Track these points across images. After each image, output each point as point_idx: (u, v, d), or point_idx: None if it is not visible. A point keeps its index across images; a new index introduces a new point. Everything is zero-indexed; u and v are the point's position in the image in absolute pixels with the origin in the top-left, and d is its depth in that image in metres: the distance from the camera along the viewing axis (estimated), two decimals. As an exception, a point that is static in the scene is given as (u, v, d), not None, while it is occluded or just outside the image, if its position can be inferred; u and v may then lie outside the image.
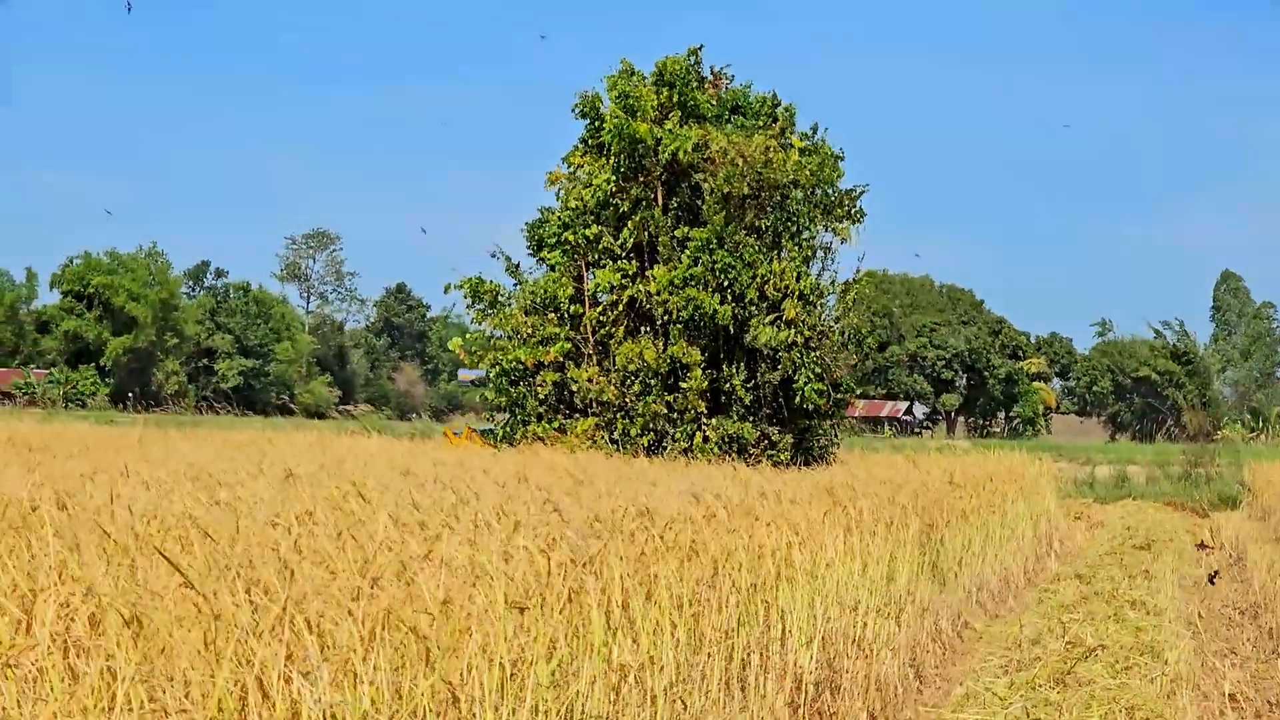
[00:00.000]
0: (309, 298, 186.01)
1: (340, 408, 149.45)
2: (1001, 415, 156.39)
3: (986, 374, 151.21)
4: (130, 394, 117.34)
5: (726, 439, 30.03)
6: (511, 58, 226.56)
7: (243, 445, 22.17)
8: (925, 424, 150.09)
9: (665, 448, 29.70)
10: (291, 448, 23.47)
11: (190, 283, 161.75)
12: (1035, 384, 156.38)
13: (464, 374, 53.21)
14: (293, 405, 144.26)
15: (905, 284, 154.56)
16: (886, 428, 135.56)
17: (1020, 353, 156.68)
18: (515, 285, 32.87)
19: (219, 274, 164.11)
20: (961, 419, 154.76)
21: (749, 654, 10.56)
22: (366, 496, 10.57)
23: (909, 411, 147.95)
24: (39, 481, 11.31)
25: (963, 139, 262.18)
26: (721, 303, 30.08)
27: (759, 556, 11.12)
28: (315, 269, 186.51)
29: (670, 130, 30.64)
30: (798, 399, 30.45)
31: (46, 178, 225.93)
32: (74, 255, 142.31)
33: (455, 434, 37.54)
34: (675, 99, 31.50)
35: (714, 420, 30.31)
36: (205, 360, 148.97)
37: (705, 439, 30.12)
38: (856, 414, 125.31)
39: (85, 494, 10.50)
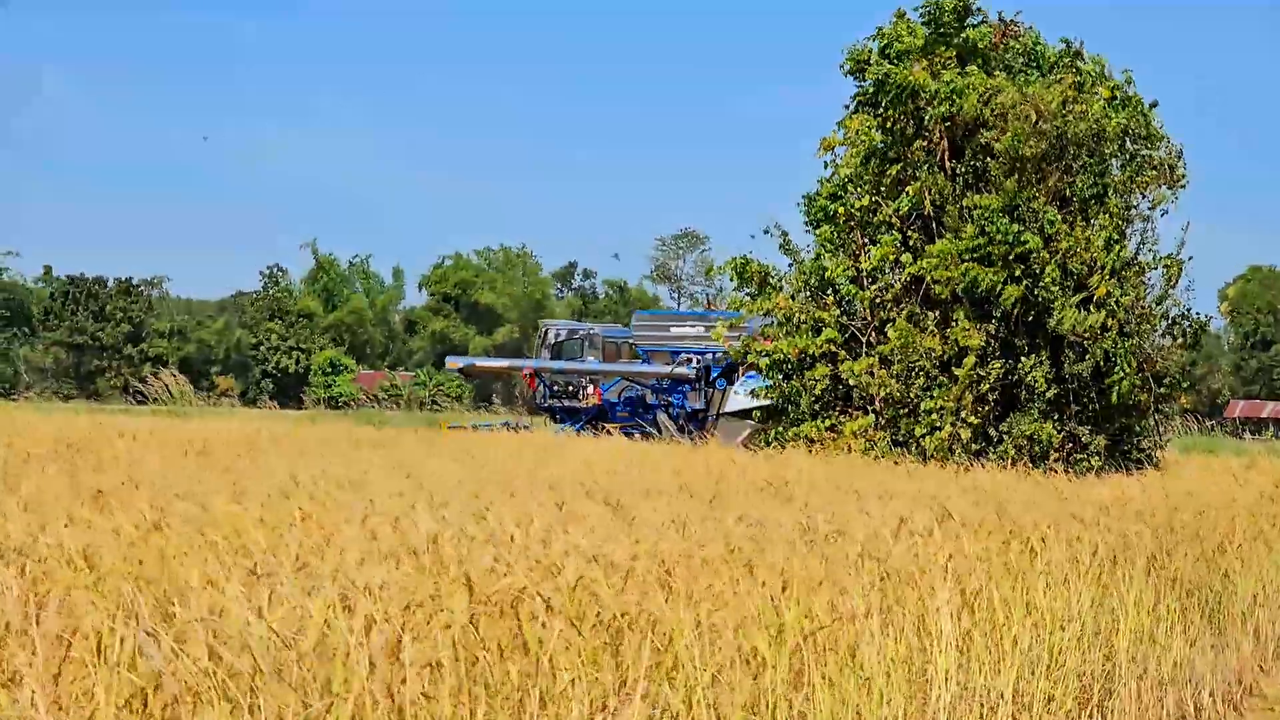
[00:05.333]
0: (679, 298, 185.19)
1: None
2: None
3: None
4: (493, 395, 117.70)
5: (1024, 441, 25.62)
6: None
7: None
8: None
9: (953, 450, 25.45)
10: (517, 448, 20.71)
11: (558, 284, 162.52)
12: None
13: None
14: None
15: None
16: (1270, 430, 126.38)
17: None
18: (790, 266, 29.09)
19: (587, 275, 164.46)
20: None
21: None
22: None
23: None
24: None
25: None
26: (1009, 280, 25.62)
27: (777, 637, 6.96)
28: (685, 269, 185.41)
29: (948, 81, 26.27)
30: (1112, 394, 25.90)
31: (418, 179, 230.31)
32: (445, 255, 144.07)
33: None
34: (943, 34, 27.08)
35: (1007, 419, 25.99)
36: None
37: (998, 441, 25.85)
38: (1235, 414, 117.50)
39: None
